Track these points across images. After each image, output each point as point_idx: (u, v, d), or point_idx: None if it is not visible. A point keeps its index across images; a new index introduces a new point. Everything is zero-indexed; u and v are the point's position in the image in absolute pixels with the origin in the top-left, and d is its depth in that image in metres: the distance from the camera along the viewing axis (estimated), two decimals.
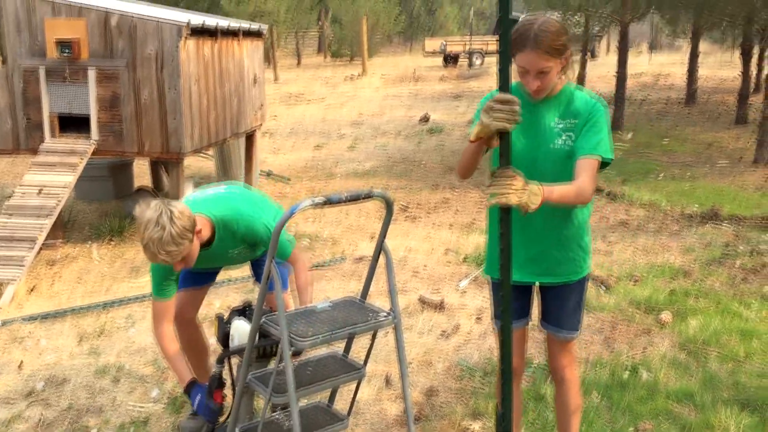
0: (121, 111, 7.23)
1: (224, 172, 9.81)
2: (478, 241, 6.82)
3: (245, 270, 4.40)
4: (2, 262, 6.03)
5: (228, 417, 3.14)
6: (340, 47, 34.97)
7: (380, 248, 2.80)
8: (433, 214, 8.23)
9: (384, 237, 2.78)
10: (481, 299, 5.41)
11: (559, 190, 2.49)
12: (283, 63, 31.40)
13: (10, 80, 7.35)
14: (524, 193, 2.35)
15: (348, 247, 7.00)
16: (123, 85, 7.18)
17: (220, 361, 3.11)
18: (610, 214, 7.97)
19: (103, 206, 8.80)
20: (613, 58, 18.08)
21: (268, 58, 25.26)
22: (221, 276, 3.89)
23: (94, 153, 7.27)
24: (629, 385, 4.02)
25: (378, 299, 4.85)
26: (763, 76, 14.92)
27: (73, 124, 7.36)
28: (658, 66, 25.90)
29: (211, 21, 8.09)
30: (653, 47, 32.59)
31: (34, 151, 7.31)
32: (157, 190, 9.10)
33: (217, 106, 8.13)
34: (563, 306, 2.89)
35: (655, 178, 9.88)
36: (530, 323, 3.05)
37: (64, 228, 7.54)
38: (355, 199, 2.60)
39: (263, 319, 2.68)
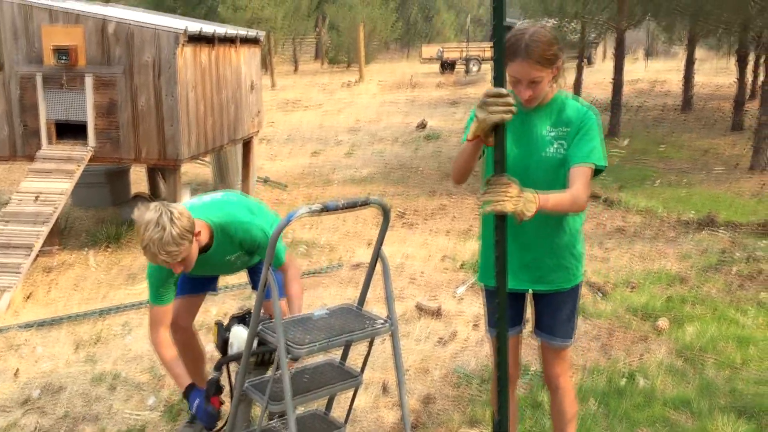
0: (118, 118, 7.24)
1: (221, 179, 9.81)
2: (475, 247, 6.82)
3: (242, 277, 4.40)
4: None
5: (225, 424, 3.13)
6: (337, 54, 35.03)
7: (377, 255, 2.81)
8: (430, 221, 8.23)
9: (381, 244, 2.78)
10: (478, 306, 5.41)
11: (554, 198, 2.50)
12: (281, 69, 31.45)
13: (7, 87, 7.35)
14: (519, 200, 2.36)
15: (345, 253, 6.99)
16: (120, 92, 7.19)
17: (218, 367, 3.10)
18: (607, 221, 7.98)
19: (100, 213, 8.79)
20: (609, 65, 18.13)
21: (266, 65, 25.30)
22: (218, 283, 3.89)
23: (91, 160, 7.27)
24: (626, 392, 4.02)
25: (375, 306, 4.85)
26: (759, 82, 14.97)
27: (70, 130, 7.36)
28: (654, 73, 25.98)
29: (209, 28, 8.10)
30: (649, 54, 32.70)
31: (31, 158, 7.30)
32: (154, 196, 9.10)
33: (214, 113, 8.14)
34: (556, 314, 2.89)
35: (652, 184, 9.90)
36: (524, 331, 3.05)
37: (61, 235, 7.53)
38: (351, 206, 2.60)
39: (260, 327, 2.68)
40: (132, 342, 4.95)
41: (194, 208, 3.12)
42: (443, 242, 7.29)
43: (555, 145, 2.68)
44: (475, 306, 5.41)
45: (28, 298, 6.02)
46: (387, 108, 19.27)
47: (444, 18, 45.76)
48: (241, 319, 3.17)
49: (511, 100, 2.32)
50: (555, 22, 15.34)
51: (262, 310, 2.76)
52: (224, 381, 3.13)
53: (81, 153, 7.21)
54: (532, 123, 2.72)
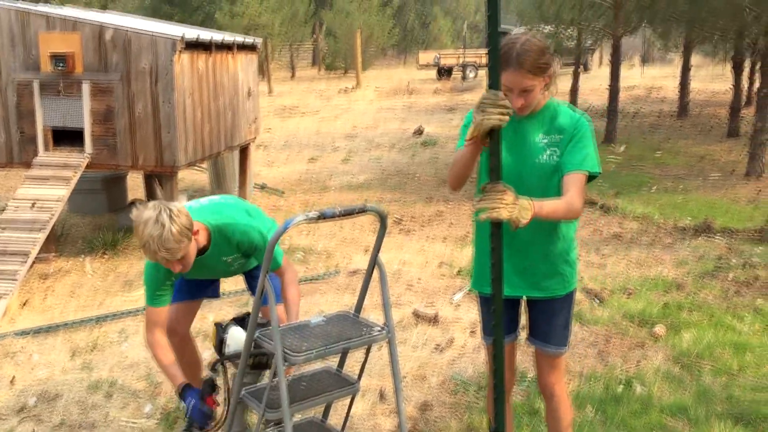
0: (115, 124, 7.24)
1: (218, 185, 9.81)
2: (472, 254, 6.82)
3: (240, 284, 4.40)
4: None
5: (219, 426, 3.13)
6: (334, 60, 35.08)
7: (374, 262, 2.81)
8: (427, 227, 8.24)
9: (378, 251, 2.79)
10: (475, 313, 5.41)
11: (548, 206, 2.51)
12: (278, 76, 31.48)
13: (4, 94, 7.35)
14: (515, 207, 2.37)
15: (342, 260, 6.99)
16: (117, 99, 7.19)
17: (213, 368, 3.11)
18: (604, 227, 7.99)
19: (97, 219, 8.78)
20: (605, 71, 18.18)
21: (263, 71, 25.33)
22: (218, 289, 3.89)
23: (87, 166, 7.27)
24: (623, 399, 4.02)
25: (372, 313, 4.85)
26: (755, 89, 15.02)
27: (66, 137, 7.36)
28: (650, 79, 26.06)
29: (206, 35, 8.11)
30: (645, 60, 32.80)
31: (28, 165, 7.30)
32: None
33: (212, 120, 8.15)
34: (550, 321, 2.89)
35: (648, 190, 9.92)
36: (519, 338, 3.06)
37: (58, 242, 7.53)
38: (348, 213, 2.61)
39: (257, 334, 2.68)
40: (128, 349, 4.94)
41: (192, 211, 3.13)
42: (440, 249, 7.30)
43: (548, 152, 2.70)
44: (472, 313, 5.41)
45: (24, 305, 6.01)
46: (384, 114, 19.29)
47: (441, 24, 45.87)
48: (240, 320, 3.17)
49: (507, 104, 2.35)
50: (551, 29, 15.38)
51: (260, 315, 2.76)
52: (222, 384, 3.13)
53: (78, 160, 7.20)
54: (525, 130, 2.74)
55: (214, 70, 8.15)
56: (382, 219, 2.72)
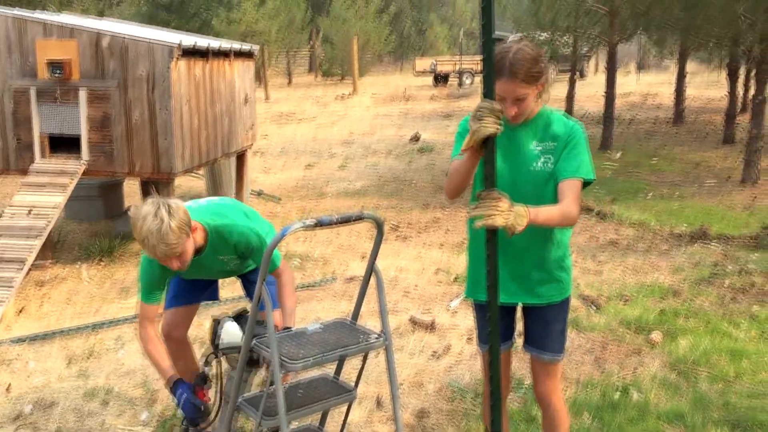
0: (111, 131, 7.24)
1: (215, 192, 9.81)
2: (466, 262, 6.83)
3: (238, 290, 4.40)
4: None
5: (210, 423, 3.14)
6: (330, 66, 35.11)
7: (371, 270, 2.81)
8: (423, 234, 8.24)
9: (375, 259, 2.79)
10: (472, 319, 5.40)
11: (544, 212, 2.53)
12: (274, 82, 31.50)
13: (1, 101, 7.35)
14: (510, 214, 2.38)
15: (339, 267, 6.99)
16: (114, 106, 7.19)
17: (206, 361, 3.12)
18: (600, 234, 8.01)
19: (93, 226, 8.77)
20: (601, 78, 18.25)
21: (259, 78, 25.33)
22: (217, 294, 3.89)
23: (84, 173, 7.26)
24: (620, 406, 4.02)
25: (369, 320, 4.85)
26: (750, 96, 15.07)
27: (63, 144, 7.35)
28: (646, 86, 26.13)
29: (203, 42, 8.13)
30: (641, 67, 32.89)
31: (24, 172, 7.29)
32: None
33: (208, 126, 8.15)
34: (546, 328, 2.89)
35: (644, 197, 9.94)
36: (516, 345, 3.06)
37: (54, 248, 7.51)
38: (346, 221, 2.62)
39: (254, 342, 2.68)
40: (125, 356, 4.93)
41: (190, 210, 3.15)
42: (437, 255, 7.30)
43: (542, 159, 2.72)
44: (469, 319, 5.42)
45: (20, 312, 6.00)
46: (380, 121, 19.31)
47: (437, 31, 45.93)
48: (238, 317, 3.17)
49: (500, 114, 2.38)
50: (547, 36, 15.42)
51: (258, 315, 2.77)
52: (215, 378, 3.13)
53: (74, 166, 7.20)
54: (519, 138, 2.75)
55: (211, 77, 8.16)
56: (379, 226, 2.73)
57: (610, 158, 12.71)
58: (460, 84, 29.51)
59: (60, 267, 7.19)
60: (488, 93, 2.44)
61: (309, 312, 5.63)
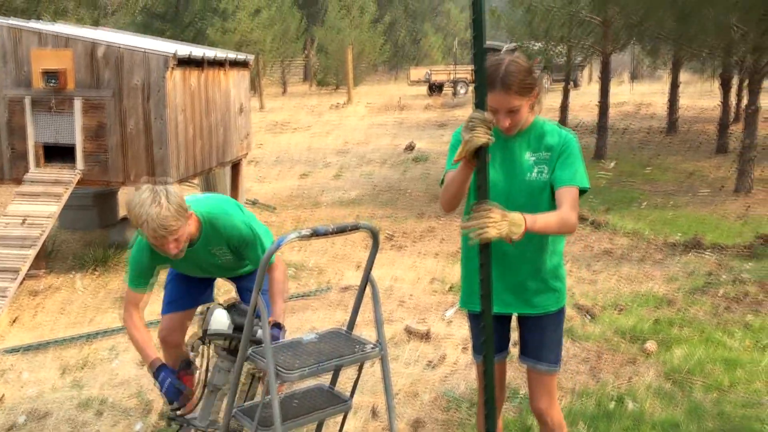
0: (106, 141, 7.23)
1: None
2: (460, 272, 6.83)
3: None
4: None
5: (190, 410, 3.14)
6: (325, 76, 35.19)
7: (367, 280, 2.82)
8: (418, 243, 8.25)
9: (370, 269, 2.79)
10: (467, 329, 5.41)
11: (542, 219, 2.55)
12: (269, 91, 31.54)
13: None
14: (504, 224, 2.39)
15: (334, 276, 6.99)
16: (109, 115, 7.19)
17: (192, 346, 3.13)
18: (594, 243, 8.03)
19: (88, 236, 8.75)
20: (595, 88, 18.31)
21: (254, 87, 25.37)
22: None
23: (79, 183, 7.25)
24: (615, 416, 4.03)
25: (364, 329, 4.85)
26: (743, 105, 15.16)
27: (58, 153, 7.34)
28: (639, 95, 26.24)
29: (198, 51, 8.14)
30: (634, 77, 33.06)
31: (19, 181, 7.28)
32: None
33: (203, 136, 8.15)
34: (542, 338, 2.89)
35: (638, 206, 9.97)
36: (511, 354, 3.06)
37: (48, 258, 7.49)
38: (341, 231, 2.62)
39: (250, 351, 2.68)
40: (119, 366, 4.91)
41: (187, 201, 3.18)
42: (432, 265, 7.31)
43: (536, 170, 2.74)
44: (464, 329, 5.42)
45: (14, 322, 5.97)
46: (375, 130, 19.35)
47: (432, 41, 46.11)
48: (229, 306, 3.17)
49: (492, 125, 2.42)
50: (541, 46, 15.49)
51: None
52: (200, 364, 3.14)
53: (69, 176, 7.19)
54: (513, 149, 2.78)
55: (206, 86, 8.17)
56: (375, 236, 2.73)
57: (604, 167, 12.75)
58: (455, 93, 29.60)
59: (54, 276, 7.17)
60: (480, 104, 2.46)
61: (304, 322, 5.62)
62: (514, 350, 3.09)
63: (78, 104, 7.17)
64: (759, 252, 7.33)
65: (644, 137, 17.17)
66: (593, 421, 3.95)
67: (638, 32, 13.84)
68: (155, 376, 3.11)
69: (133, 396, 4.43)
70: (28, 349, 5.28)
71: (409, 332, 5.33)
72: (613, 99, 15.79)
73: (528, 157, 2.76)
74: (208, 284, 3.71)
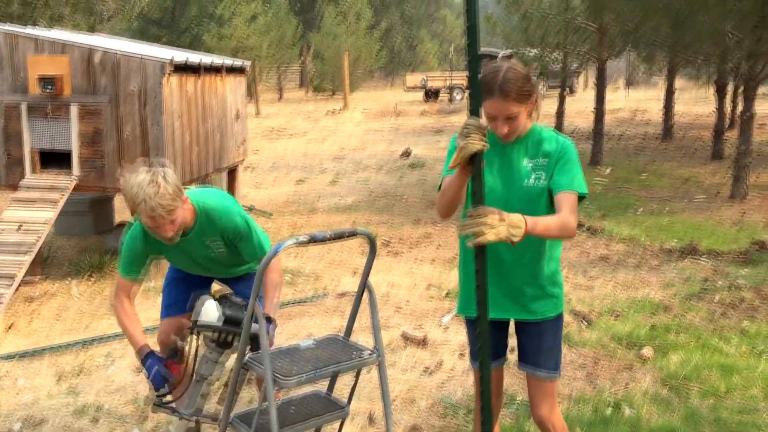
0: (103, 147, 7.23)
1: None
2: (458, 277, 6.83)
3: None
4: None
5: (176, 398, 3.14)
6: (321, 82, 35.22)
7: (364, 286, 2.82)
8: (415, 249, 8.25)
9: (368, 275, 2.80)
10: (464, 335, 5.40)
11: (543, 221, 2.56)
12: (265, 97, 31.55)
13: None
14: (502, 227, 2.39)
15: (330, 282, 6.99)
16: (105, 121, 7.19)
17: (181, 336, 3.14)
18: (591, 249, 8.04)
19: (83, 242, 8.73)
20: (591, 94, 18.38)
21: (250, 93, 25.37)
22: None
23: (75, 189, 7.24)
24: (612, 422, 4.03)
25: (361, 335, 4.84)
26: (738, 112, 15.21)
27: (54, 159, 7.33)
28: (634, 102, 26.32)
29: (195, 57, 8.15)
30: (630, 83, 33.16)
31: (14, 187, 7.26)
32: None
33: (200, 142, 8.15)
34: (540, 344, 2.89)
35: (634, 212, 9.99)
36: (508, 360, 3.06)
37: (43, 264, 7.47)
38: (339, 237, 2.62)
39: (247, 358, 2.67)
40: (115, 373, 4.90)
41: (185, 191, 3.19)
42: (428, 271, 7.31)
43: (534, 176, 2.76)
44: (461, 335, 5.42)
45: (9, 328, 5.95)
46: (371, 136, 19.37)
47: (428, 47, 46.22)
48: (222, 298, 3.16)
49: (486, 131, 2.44)
50: (537, 52, 15.54)
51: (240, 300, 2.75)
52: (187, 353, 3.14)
53: (65, 182, 7.18)
54: (511, 155, 2.79)
55: (202, 92, 8.17)
56: (372, 243, 2.73)
57: (600, 174, 12.78)
58: (451, 100, 29.66)
59: (50, 283, 7.15)
60: (474, 110, 2.48)
61: (300, 328, 5.62)
62: (511, 357, 3.09)
63: (74, 110, 7.17)
64: (754, 258, 7.35)
65: (640, 143, 17.22)
66: (590, 428, 3.95)
67: (634, 39, 13.91)
68: (143, 362, 3.15)
69: (129, 403, 4.42)
70: (23, 355, 5.26)
71: (406, 338, 5.32)
72: (608, 105, 15.84)
73: (526, 163, 2.77)
74: (205, 287, 3.71)
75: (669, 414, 4.14)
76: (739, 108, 14.18)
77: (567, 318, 5.54)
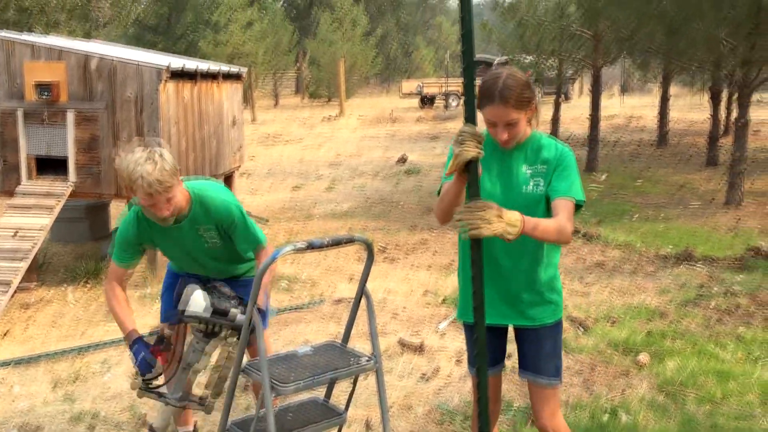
0: (99, 153, 7.23)
1: None
2: (456, 282, 6.83)
3: None
4: None
5: (161, 385, 3.16)
6: (317, 88, 35.28)
7: (362, 293, 2.82)
8: (411, 256, 8.25)
9: (365, 282, 2.80)
10: (461, 341, 5.41)
11: (543, 223, 2.57)
12: (261, 104, 31.58)
13: None
14: (499, 224, 2.41)
15: (327, 288, 6.98)
16: (102, 128, 7.19)
17: (169, 323, 3.16)
18: (587, 255, 8.05)
19: (79, 248, 8.71)
20: (586, 101, 18.41)
21: (246, 99, 25.39)
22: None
23: (71, 195, 7.23)
24: (609, 428, 4.03)
25: (358, 341, 4.84)
26: (732, 118, 15.28)
27: (50, 166, 7.33)
28: (629, 108, 26.39)
29: (191, 64, 8.16)
30: (625, 90, 33.26)
31: (10, 194, 7.25)
32: None
33: (196, 149, 8.15)
34: (539, 351, 2.89)
35: (630, 219, 10.01)
36: (506, 366, 3.06)
37: (39, 270, 7.46)
38: (336, 243, 2.63)
39: (245, 364, 2.67)
40: (111, 380, 4.88)
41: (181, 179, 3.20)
42: (425, 277, 7.31)
43: (533, 183, 2.77)
44: (458, 341, 5.42)
45: (5, 335, 5.94)
46: (367, 142, 19.38)
47: (423, 54, 46.35)
48: (210, 288, 3.15)
49: (482, 138, 2.46)
50: (533, 59, 15.59)
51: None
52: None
53: (61, 188, 7.17)
54: (510, 162, 2.81)
55: (199, 99, 8.18)
56: (370, 249, 2.74)
57: (595, 180, 12.81)
58: (446, 106, 29.71)
59: (45, 289, 7.14)
60: (470, 117, 2.49)
61: (297, 334, 5.61)
62: (508, 363, 3.09)
63: (71, 116, 7.17)
64: (750, 264, 7.37)
65: (635, 150, 17.26)
66: None
67: (629, 46, 13.96)
68: (130, 347, 3.17)
69: (126, 410, 4.41)
70: (19, 362, 5.25)
71: (403, 345, 5.32)
72: (603, 112, 15.89)
73: (525, 169, 2.79)
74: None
75: (666, 420, 4.14)
76: (734, 115, 14.26)
77: (563, 324, 5.54)
